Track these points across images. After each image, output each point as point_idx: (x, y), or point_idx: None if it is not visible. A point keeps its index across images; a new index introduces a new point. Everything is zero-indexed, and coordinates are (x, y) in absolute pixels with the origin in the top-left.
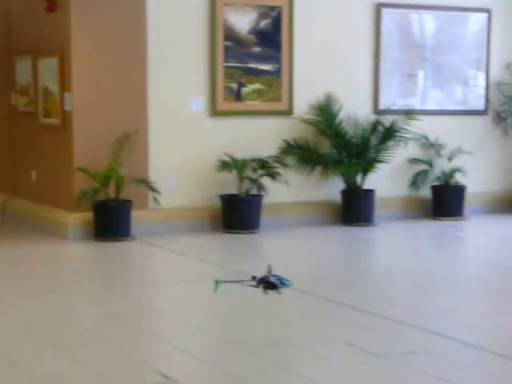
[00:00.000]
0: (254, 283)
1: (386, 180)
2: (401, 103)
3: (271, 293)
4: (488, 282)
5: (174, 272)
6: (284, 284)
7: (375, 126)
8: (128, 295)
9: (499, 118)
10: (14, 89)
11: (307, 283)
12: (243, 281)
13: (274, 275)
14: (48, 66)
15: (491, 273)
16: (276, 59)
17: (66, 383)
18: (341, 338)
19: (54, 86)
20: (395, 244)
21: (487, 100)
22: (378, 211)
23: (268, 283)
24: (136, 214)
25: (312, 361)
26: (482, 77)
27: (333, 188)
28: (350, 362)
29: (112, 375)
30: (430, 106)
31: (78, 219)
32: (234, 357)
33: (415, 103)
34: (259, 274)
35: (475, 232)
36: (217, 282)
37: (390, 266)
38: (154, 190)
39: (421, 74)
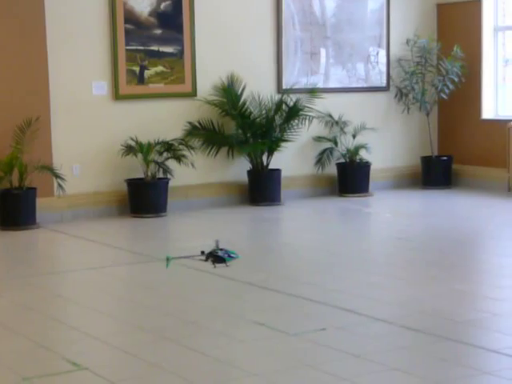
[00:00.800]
0: (203, 258)
1: (291, 159)
2: (304, 82)
3: (220, 266)
4: (395, 256)
5: (81, 258)
6: (231, 257)
7: (279, 105)
8: (34, 283)
9: (401, 94)
10: None
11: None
12: (193, 256)
13: (221, 249)
14: None
15: (398, 247)
16: (178, 41)
17: None
18: (251, 318)
19: None
20: (302, 222)
21: (389, 76)
22: (285, 190)
23: (216, 257)
24: (41, 202)
25: (224, 342)
26: (382, 53)
27: (239, 169)
28: (262, 342)
29: (19, 365)
30: (332, 84)
31: None
32: (145, 342)
33: (318, 81)
34: (207, 249)
35: (381, 207)
36: (168, 259)
37: (297, 244)
38: (58, 176)
39: (322, 52)
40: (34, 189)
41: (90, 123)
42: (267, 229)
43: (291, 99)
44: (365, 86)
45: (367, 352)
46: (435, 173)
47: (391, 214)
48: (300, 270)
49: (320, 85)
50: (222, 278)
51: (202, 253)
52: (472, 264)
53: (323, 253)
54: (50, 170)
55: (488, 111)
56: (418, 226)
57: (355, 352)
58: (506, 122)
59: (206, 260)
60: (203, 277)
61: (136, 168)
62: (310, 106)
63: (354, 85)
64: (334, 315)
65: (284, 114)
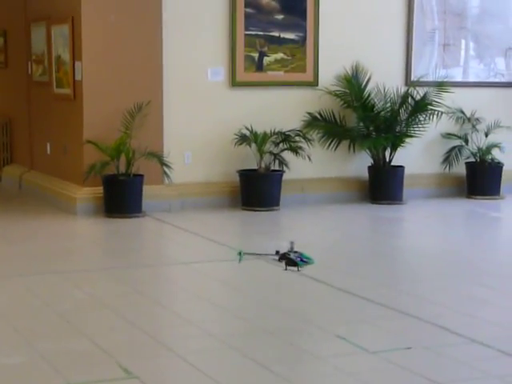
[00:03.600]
0: (277, 258)
1: (416, 156)
2: (435, 75)
3: (291, 269)
4: None
5: (176, 252)
6: (304, 262)
7: (405, 98)
8: (119, 276)
9: None
10: (30, 58)
11: (318, 268)
12: (266, 254)
13: (295, 252)
14: (61, 34)
15: None
16: (300, 27)
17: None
18: (333, 331)
19: (66, 55)
20: (421, 224)
21: None
22: (408, 189)
23: (289, 260)
24: (149, 190)
25: (295, 357)
26: None
27: (360, 164)
28: (338, 360)
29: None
30: (468, 78)
31: (87, 194)
32: (210, 350)
33: (451, 75)
34: (282, 250)
35: (509, 212)
36: (240, 254)
37: (409, 249)
38: (164, 164)
39: (457, 44)
40: (141, 176)
41: (204, 110)
42: (382, 230)
43: (418, 92)
44: (502, 81)
45: (453, 380)
46: None
47: None
48: (402, 277)
49: (454, 78)
50: (313, 281)
51: (277, 252)
52: None
53: (434, 260)
54: (156, 157)
55: None
56: None
57: (438, 379)
58: None
59: (279, 261)
60: (293, 278)
61: (250, 158)
62: (439, 100)
63: (492, 79)
64: (426, 332)
65: (410, 108)
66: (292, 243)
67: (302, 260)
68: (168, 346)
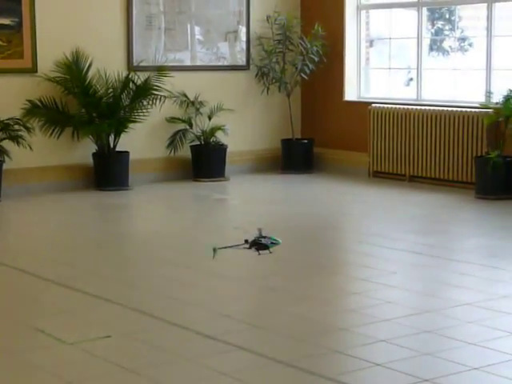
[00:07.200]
0: (247, 246)
1: (141, 141)
2: (156, 59)
3: (263, 253)
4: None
5: None
6: (273, 243)
7: (126, 83)
8: None
9: (262, 74)
10: None
11: (27, 260)
12: (238, 245)
13: (264, 237)
14: None
15: (232, 238)
16: (16, 12)
17: None
18: (33, 324)
19: None
20: (142, 210)
21: (249, 55)
22: (135, 174)
23: (260, 245)
24: None
25: None
26: (243, 31)
27: (85, 151)
28: (32, 354)
29: None
30: (191, 62)
31: None
32: None
33: (177, 59)
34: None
35: (234, 193)
36: (215, 250)
37: (126, 235)
38: None
39: (180, 28)
40: None
41: None
42: (104, 217)
43: (139, 77)
44: (224, 64)
45: (147, 364)
46: (295, 157)
47: (240, 200)
48: (113, 264)
49: (181, 63)
50: (21, 273)
51: (246, 241)
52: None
53: (147, 245)
54: None
55: (351, 93)
56: (265, 213)
57: (130, 365)
58: (368, 104)
59: (250, 248)
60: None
61: None
62: (160, 85)
63: (214, 63)
64: (128, 319)
65: (132, 93)
66: (260, 230)
67: (272, 242)
68: None
